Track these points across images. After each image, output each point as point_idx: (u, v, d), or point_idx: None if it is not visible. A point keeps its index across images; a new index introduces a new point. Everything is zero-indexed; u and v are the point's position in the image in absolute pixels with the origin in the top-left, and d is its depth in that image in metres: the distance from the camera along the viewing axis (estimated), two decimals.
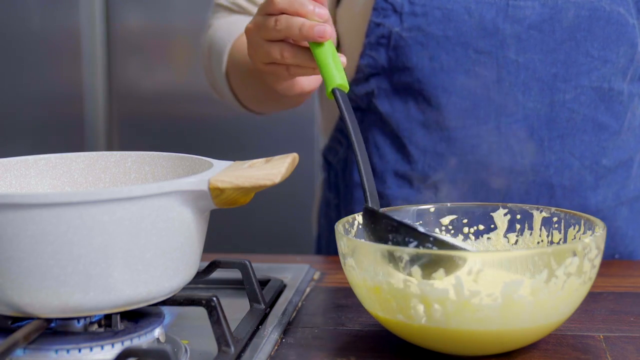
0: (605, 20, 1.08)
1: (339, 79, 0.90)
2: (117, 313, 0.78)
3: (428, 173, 1.15)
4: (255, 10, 1.21)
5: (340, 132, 1.25)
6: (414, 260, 0.75)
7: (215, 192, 0.76)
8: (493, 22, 1.08)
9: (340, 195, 1.25)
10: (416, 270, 0.75)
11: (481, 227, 0.94)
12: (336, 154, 1.26)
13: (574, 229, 0.88)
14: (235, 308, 0.88)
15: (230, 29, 1.21)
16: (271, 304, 0.92)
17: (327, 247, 1.30)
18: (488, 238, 0.94)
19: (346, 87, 0.90)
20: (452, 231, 0.94)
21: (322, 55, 0.90)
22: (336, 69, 0.90)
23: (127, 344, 0.77)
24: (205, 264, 0.92)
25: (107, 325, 0.79)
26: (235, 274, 0.93)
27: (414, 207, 0.94)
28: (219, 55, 1.21)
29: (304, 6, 0.91)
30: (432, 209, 0.94)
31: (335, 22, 1.23)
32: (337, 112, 1.23)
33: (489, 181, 1.13)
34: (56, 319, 0.77)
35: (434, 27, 1.09)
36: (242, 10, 1.24)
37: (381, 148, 1.18)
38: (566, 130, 1.11)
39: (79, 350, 0.75)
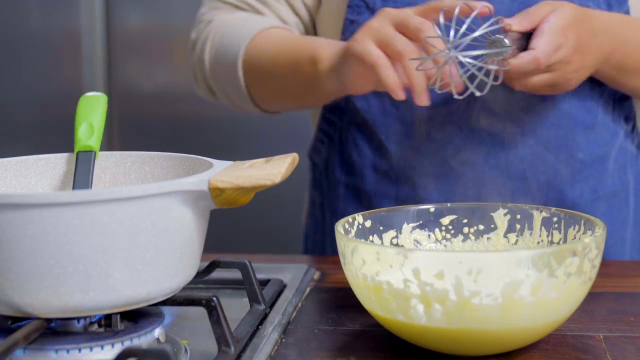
0: None
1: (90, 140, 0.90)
2: (117, 313, 0.78)
3: (405, 168, 1.15)
4: (268, 13, 1.21)
5: (322, 132, 1.25)
6: None
7: (215, 192, 0.76)
8: None
9: (324, 194, 1.25)
10: None
11: (481, 227, 0.94)
12: (319, 154, 1.26)
13: (574, 229, 0.88)
14: (235, 308, 0.88)
15: (242, 28, 1.18)
16: (271, 304, 0.92)
17: (313, 247, 1.30)
18: (488, 238, 0.94)
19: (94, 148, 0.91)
20: (452, 231, 0.94)
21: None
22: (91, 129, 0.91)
23: (127, 344, 0.77)
24: (205, 264, 0.92)
25: (107, 325, 0.79)
26: (235, 274, 0.93)
27: (414, 207, 0.94)
28: (232, 57, 1.18)
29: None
30: (432, 209, 0.94)
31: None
32: (320, 111, 1.24)
33: (465, 175, 1.12)
34: (56, 319, 0.77)
35: None
36: (249, 8, 1.22)
37: (359, 144, 1.18)
38: (538, 124, 1.11)
39: (79, 350, 0.75)
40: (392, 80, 0.96)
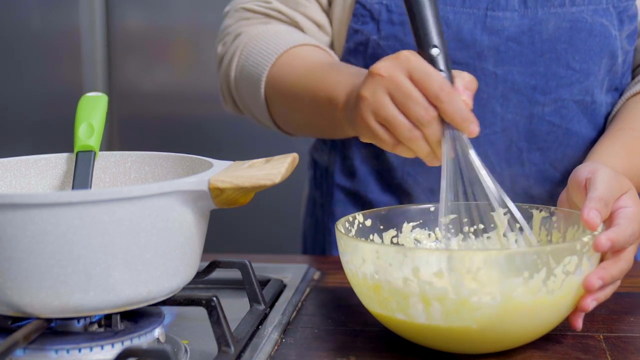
0: (587, 32, 1.07)
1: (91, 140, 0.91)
2: (117, 313, 0.78)
3: (407, 180, 1.14)
4: (301, 18, 1.15)
5: None
6: None
7: (215, 192, 0.76)
8: (471, 33, 1.07)
9: (324, 195, 1.25)
10: None
11: (481, 226, 0.94)
12: (321, 153, 1.26)
13: (574, 228, 0.88)
14: (235, 308, 0.88)
15: (268, 46, 1.13)
16: (271, 304, 0.92)
17: (312, 245, 1.29)
18: (488, 237, 0.94)
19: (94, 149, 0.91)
20: (453, 230, 0.94)
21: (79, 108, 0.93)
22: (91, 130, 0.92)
23: (127, 344, 0.77)
24: (205, 264, 0.92)
25: (107, 325, 0.79)
26: (235, 274, 0.93)
27: (415, 207, 0.94)
28: (256, 78, 1.13)
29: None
30: (433, 208, 0.94)
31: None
32: None
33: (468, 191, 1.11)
34: (56, 319, 0.77)
35: (411, 36, 1.00)
36: (280, 16, 1.16)
37: (363, 154, 1.17)
38: (546, 143, 1.10)
39: (79, 350, 0.75)
40: (427, 153, 0.91)
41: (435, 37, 0.90)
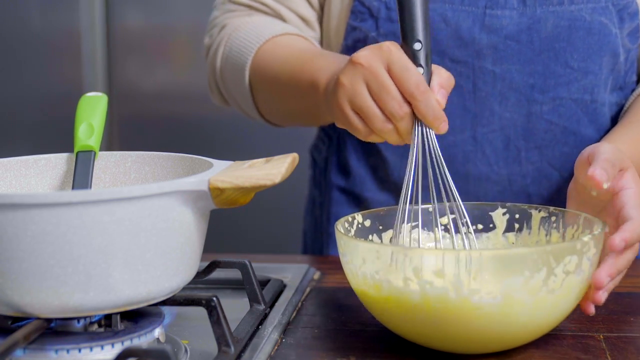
0: (586, 31, 1.07)
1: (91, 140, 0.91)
2: (117, 313, 0.78)
3: (404, 179, 1.14)
4: (286, 11, 1.16)
5: (323, 131, 1.25)
6: None
7: (215, 192, 0.76)
8: (469, 31, 1.07)
9: (322, 194, 1.25)
10: None
11: (480, 226, 0.94)
12: (320, 153, 1.26)
13: (573, 228, 0.88)
14: (235, 308, 0.88)
15: (253, 34, 1.14)
16: (271, 304, 0.92)
17: (312, 244, 1.29)
18: (487, 237, 0.94)
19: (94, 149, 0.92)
20: (452, 230, 0.94)
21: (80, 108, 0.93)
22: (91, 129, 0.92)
23: (127, 344, 0.77)
24: (205, 264, 0.92)
25: (107, 325, 0.80)
26: (235, 274, 0.93)
27: (413, 207, 0.94)
28: (240, 64, 1.14)
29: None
30: (431, 209, 0.94)
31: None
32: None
33: (466, 190, 1.11)
34: (56, 319, 0.77)
35: None
36: (265, 8, 1.17)
37: (359, 152, 1.17)
38: (544, 141, 1.10)
39: (79, 350, 0.75)
40: (397, 142, 0.92)
41: (420, 32, 0.90)
